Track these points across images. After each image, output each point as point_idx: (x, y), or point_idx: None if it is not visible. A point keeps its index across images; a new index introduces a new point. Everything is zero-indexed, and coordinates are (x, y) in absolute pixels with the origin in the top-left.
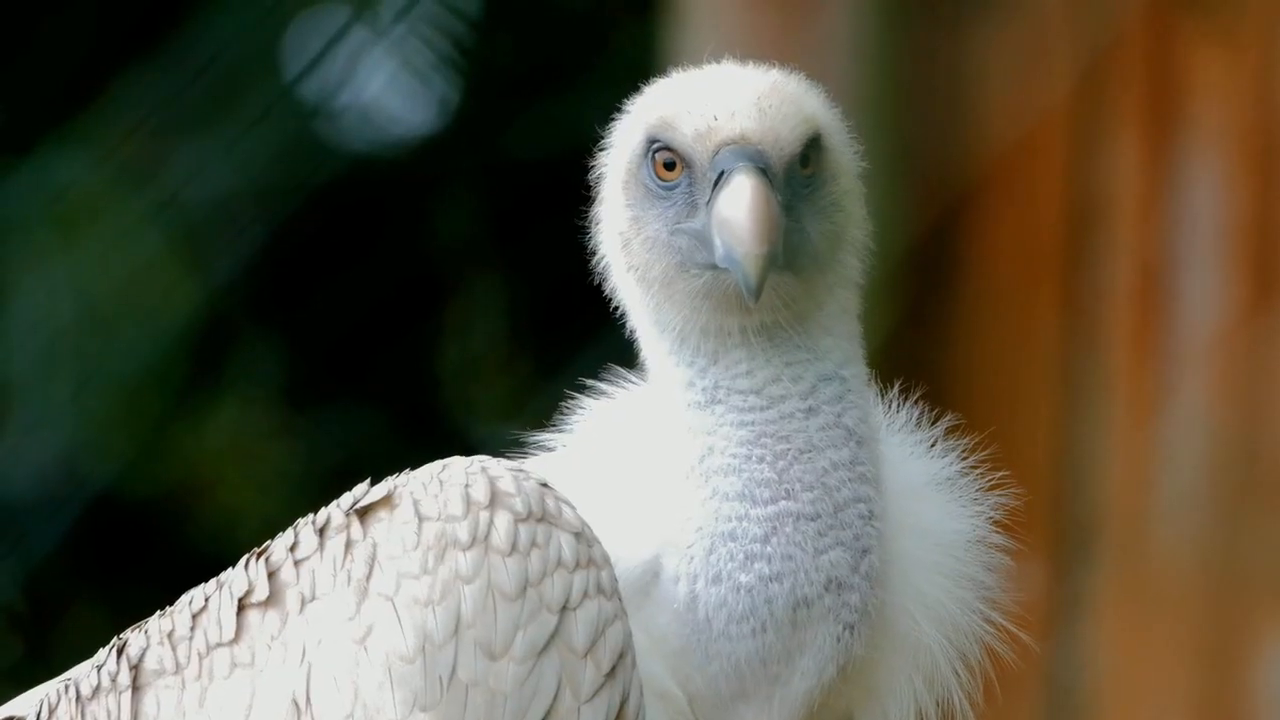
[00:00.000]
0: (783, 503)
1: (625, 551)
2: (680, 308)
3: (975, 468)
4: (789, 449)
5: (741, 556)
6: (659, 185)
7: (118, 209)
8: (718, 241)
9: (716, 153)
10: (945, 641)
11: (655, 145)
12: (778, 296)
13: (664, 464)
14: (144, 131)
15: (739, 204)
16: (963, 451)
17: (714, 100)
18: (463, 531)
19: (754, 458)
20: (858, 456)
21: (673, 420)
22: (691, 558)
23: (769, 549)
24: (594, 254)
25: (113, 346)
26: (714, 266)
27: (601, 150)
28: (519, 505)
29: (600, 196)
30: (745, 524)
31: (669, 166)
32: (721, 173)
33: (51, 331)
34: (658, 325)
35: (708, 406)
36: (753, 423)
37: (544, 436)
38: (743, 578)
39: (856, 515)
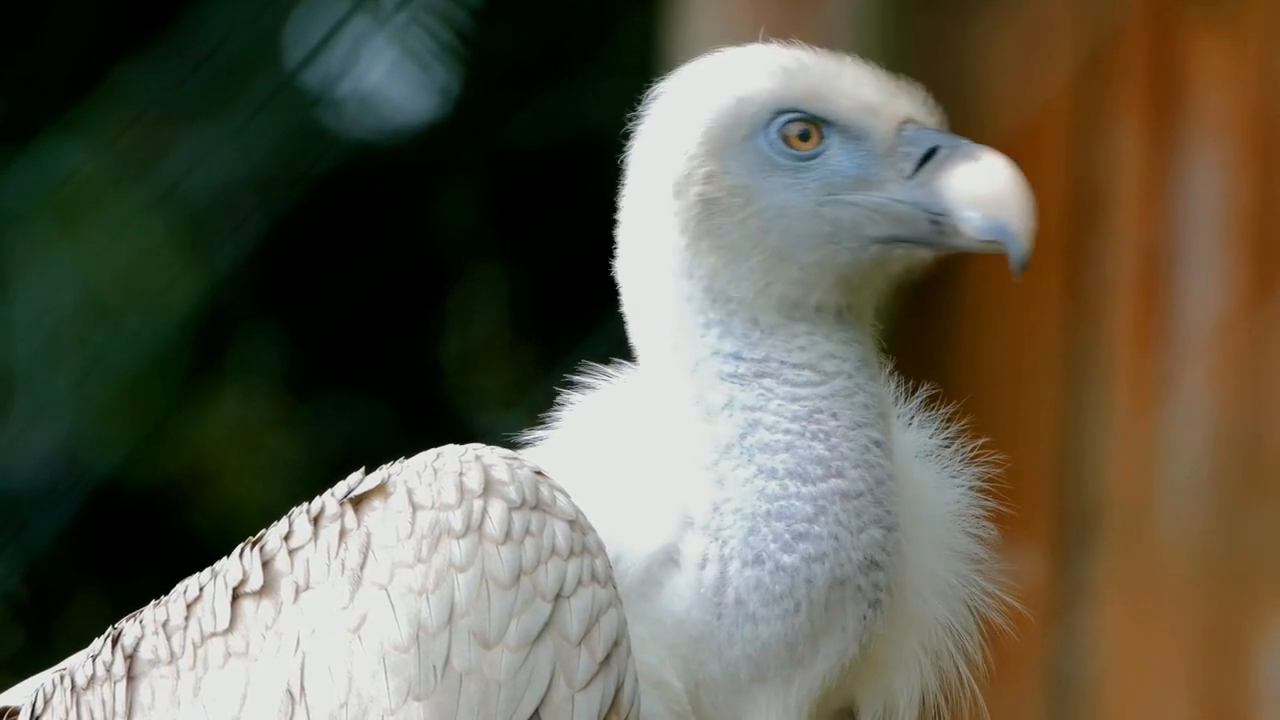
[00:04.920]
0: (833, 480)
1: (635, 540)
2: (770, 278)
3: (972, 445)
4: (839, 425)
5: (788, 536)
6: (788, 156)
7: (119, 198)
8: (974, 215)
9: (900, 128)
10: (951, 617)
11: (789, 115)
12: (884, 279)
13: (681, 447)
14: (146, 120)
15: (1006, 179)
16: (957, 430)
17: (863, 76)
18: (456, 520)
19: (808, 434)
20: (887, 435)
21: (697, 400)
22: (725, 541)
23: (816, 528)
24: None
25: (115, 336)
26: (897, 239)
27: (642, 117)
28: (513, 493)
29: (642, 161)
30: (794, 503)
31: (804, 138)
32: (934, 148)
33: (53, 321)
34: (710, 295)
35: (753, 380)
36: (806, 398)
37: (548, 425)
38: (785, 558)
39: (886, 493)
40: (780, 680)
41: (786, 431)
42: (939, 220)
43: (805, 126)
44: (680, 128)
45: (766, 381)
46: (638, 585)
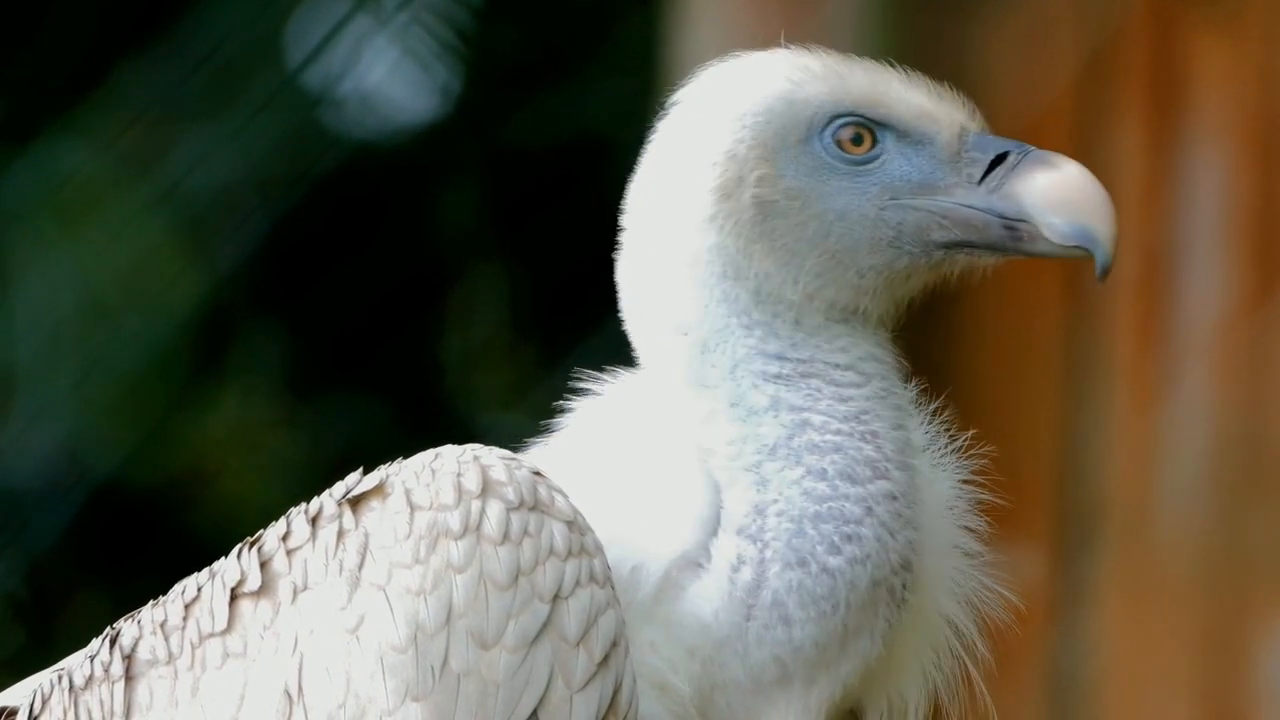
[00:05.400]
0: (880, 482)
1: (654, 542)
2: (823, 281)
3: (970, 441)
4: (884, 426)
5: (836, 538)
6: (843, 160)
7: (120, 198)
8: (1057, 221)
9: (962, 135)
10: (956, 614)
11: (845, 120)
12: (930, 284)
13: (710, 449)
14: (147, 120)
15: (1089, 185)
16: (956, 427)
17: (911, 82)
18: (454, 521)
19: (857, 435)
20: (914, 436)
21: (736, 402)
22: (766, 543)
23: (864, 530)
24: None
25: (115, 335)
26: (964, 244)
27: (662, 119)
28: (511, 494)
29: (669, 164)
30: (845, 504)
31: (856, 142)
32: (1003, 154)
33: (54, 320)
34: (758, 297)
35: (800, 380)
36: (853, 398)
37: (554, 428)
38: (831, 560)
39: (916, 494)
40: (803, 681)
41: (837, 432)
42: (1015, 226)
43: (858, 131)
44: (723, 130)
45: (814, 382)
46: (655, 588)
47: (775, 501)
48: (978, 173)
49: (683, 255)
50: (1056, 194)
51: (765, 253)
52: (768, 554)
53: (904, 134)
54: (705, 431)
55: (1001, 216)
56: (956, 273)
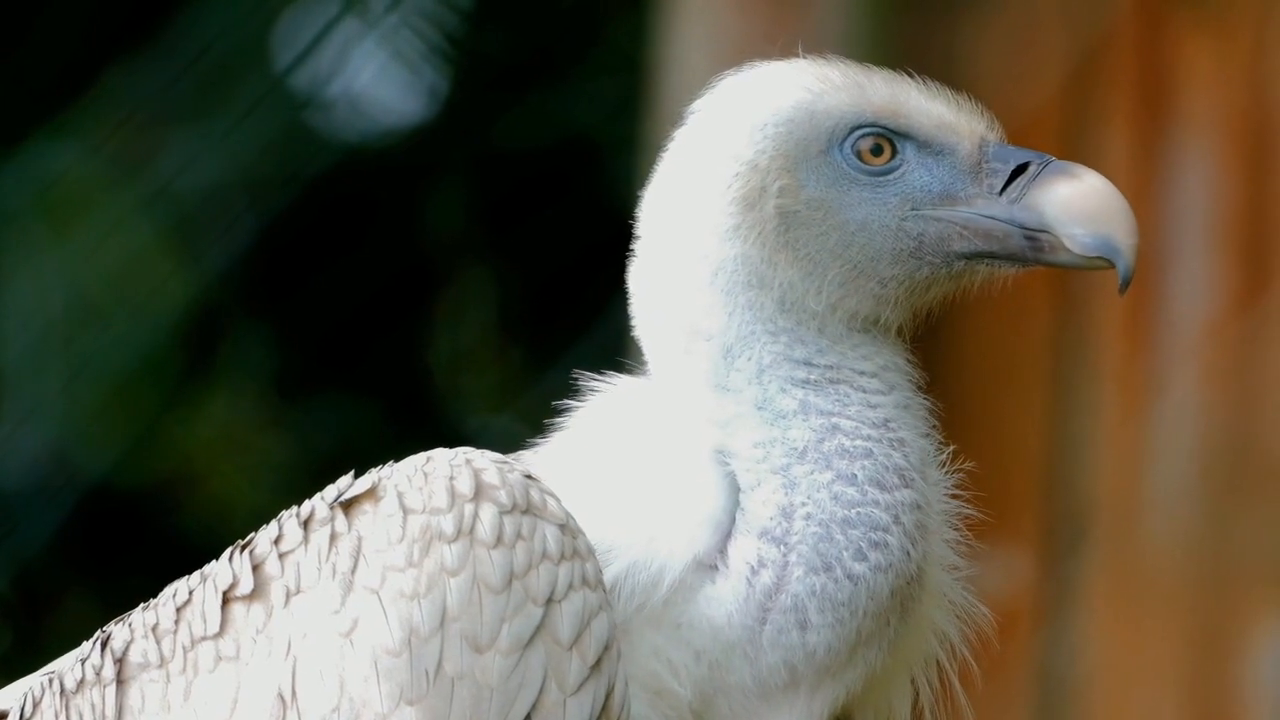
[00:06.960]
0: (906, 490)
1: (666, 545)
2: (846, 291)
3: (959, 449)
4: (911, 435)
5: (863, 544)
6: (862, 170)
7: (109, 200)
8: (1079, 231)
9: (982, 145)
10: (946, 623)
11: (865, 130)
12: (949, 294)
13: (733, 452)
14: (135, 122)
15: (1110, 195)
16: (945, 434)
17: (929, 92)
18: (448, 524)
19: (885, 441)
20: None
21: (762, 405)
22: (791, 546)
23: (890, 538)
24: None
25: (104, 337)
26: (984, 254)
27: (679, 127)
28: (504, 497)
29: (687, 173)
30: (873, 511)
31: (875, 152)
32: (1024, 164)
33: (43, 322)
34: (783, 305)
35: (828, 386)
36: (881, 405)
37: (555, 430)
38: (856, 567)
39: (931, 505)
40: (809, 687)
41: (867, 438)
42: (1036, 236)
43: (878, 141)
44: (744, 141)
45: (842, 388)
46: (665, 591)
47: (804, 505)
48: (998, 183)
49: (705, 264)
50: (1078, 205)
51: (789, 262)
52: (792, 558)
53: (924, 145)
54: (727, 434)
55: (1023, 227)
56: (977, 283)
